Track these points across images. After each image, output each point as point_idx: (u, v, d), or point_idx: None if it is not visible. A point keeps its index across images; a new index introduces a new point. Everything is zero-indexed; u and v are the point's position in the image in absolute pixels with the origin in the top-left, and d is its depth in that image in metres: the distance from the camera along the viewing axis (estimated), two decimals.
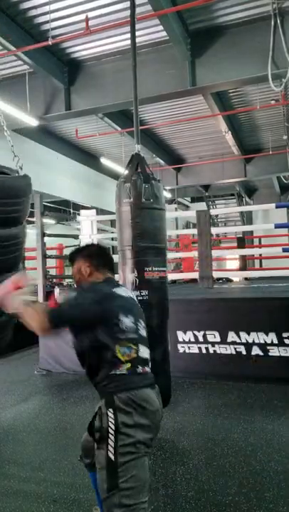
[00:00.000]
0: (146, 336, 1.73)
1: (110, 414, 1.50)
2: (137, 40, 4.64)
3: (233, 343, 4.51)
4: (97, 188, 13.14)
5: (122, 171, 4.14)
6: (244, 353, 4.46)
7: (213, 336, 4.58)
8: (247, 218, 17.44)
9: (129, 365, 1.58)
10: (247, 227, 16.36)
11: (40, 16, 6.14)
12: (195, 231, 6.21)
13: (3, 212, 2.77)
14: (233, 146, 11.30)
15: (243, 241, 8.69)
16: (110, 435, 1.47)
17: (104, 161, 11.04)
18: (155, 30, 6.39)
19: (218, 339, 4.57)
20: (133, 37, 3.75)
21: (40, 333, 1.54)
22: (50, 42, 5.83)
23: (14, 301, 1.59)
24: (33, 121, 7.29)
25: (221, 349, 4.55)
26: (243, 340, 4.48)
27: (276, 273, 7.48)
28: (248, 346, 4.45)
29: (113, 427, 1.48)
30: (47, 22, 6.03)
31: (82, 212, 6.64)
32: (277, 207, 8.13)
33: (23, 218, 3.08)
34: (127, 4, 4.51)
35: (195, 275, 6.06)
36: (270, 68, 5.71)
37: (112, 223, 8.03)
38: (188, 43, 6.51)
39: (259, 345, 4.41)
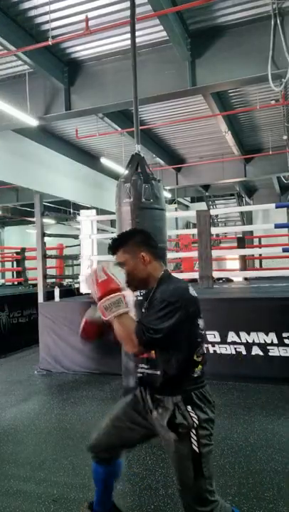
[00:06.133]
0: None
1: (191, 410, 1.62)
2: (137, 40, 4.64)
3: (233, 343, 4.51)
4: (97, 188, 13.15)
5: (122, 171, 4.14)
6: (244, 353, 4.47)
7: (213, 336, 4.58)
8: (247, 218, 17.43)
9: (200, 366, 1.69)
10: (247, 227, 16.34)
11: (40, 16, 6.14)
12: (195, 231, 6.21)
13: None
14: (233, 146, 11.30)
15: (243, 241, 8.68)
16: (193, 429, 1.60)
17: (104, 161, 11.04)
18: (155, 30, 6.39)
19: (218, 339, 4.57)
20: (133, 37, 3.75)
21: (131, 351, 1.59)
22: (50, 42, 5.83)
23: (105, 308, 1.53)
24: (33, 122, 7.29)
25: (221, 349, 4.55)
26: (243, 340, 4.48)
27: (276, 273, 7.47)
28: (248, 346, 4.45)
29: (197, 422, 1.60)
30: (47, 22, 6.02)
31: (82, 212, 6.62)
32: (277, 207, 8.13)
33: None
34: (127, 4, 4.51)
35: (195, 275, 6.05)
36: (270, 68, 5.71)
37: (112, 223, 8.03)
38: (188, 43, 6.51)
39: (259, 345, 4.41)
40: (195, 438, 1.59)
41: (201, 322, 1.71)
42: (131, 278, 1.66)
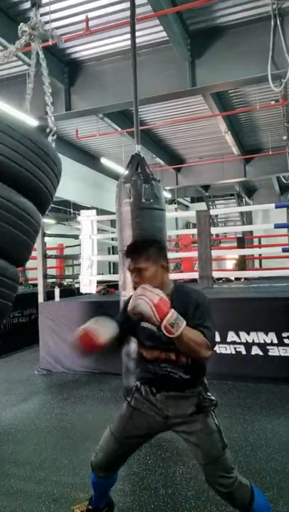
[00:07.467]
0: None
1: (211, 395, 1.87)
2: (137, 40, 4.63)
3: (233, 342, 4.52)
4: (97, 188, 13.16)
5: (122, 171, 4.14)
6: (244, 352, 4.47)
7: None
8: (247, 218, 17.44)
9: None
10: (247, 227, 16.35)
11: (41, 16, 6.14)
12: (195, 231, 6.22)
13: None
14: (233, 146, 11.32)
15: (242, 241, 8.69)
16: (213, 408, 1.85)
17: (104, 161, 11.05)
18: (155, 30, 6.40)
19: (217, 339, 4.57)
20: (133, 37, 3.75)
21: (207, 355, 1.67)
22: (50, 42, 5.84)
23: (172, 325, 1.51)
24: (33, 122, 7.29)
25: (221, 349, 4.55)
26: (243, 340, 4.48)
27: (276, 273, 7.48)
28: (248, 346, 4.46)
29: (214, 402, 1.85)
30: (47, 22, 6.03)
31: (83, 212, 6.63)
32: (277, 207, 8.14)
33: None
34: (127, 5, 4.52)
35: (195, 275, 6.06)
36: (269, 68, 5.73)
37: (112, 223, 8.03)
38: (188, 43, 6.52)
39: (259, 344, 4.42)
40: (214, 415, 1.85)
41: None
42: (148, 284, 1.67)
